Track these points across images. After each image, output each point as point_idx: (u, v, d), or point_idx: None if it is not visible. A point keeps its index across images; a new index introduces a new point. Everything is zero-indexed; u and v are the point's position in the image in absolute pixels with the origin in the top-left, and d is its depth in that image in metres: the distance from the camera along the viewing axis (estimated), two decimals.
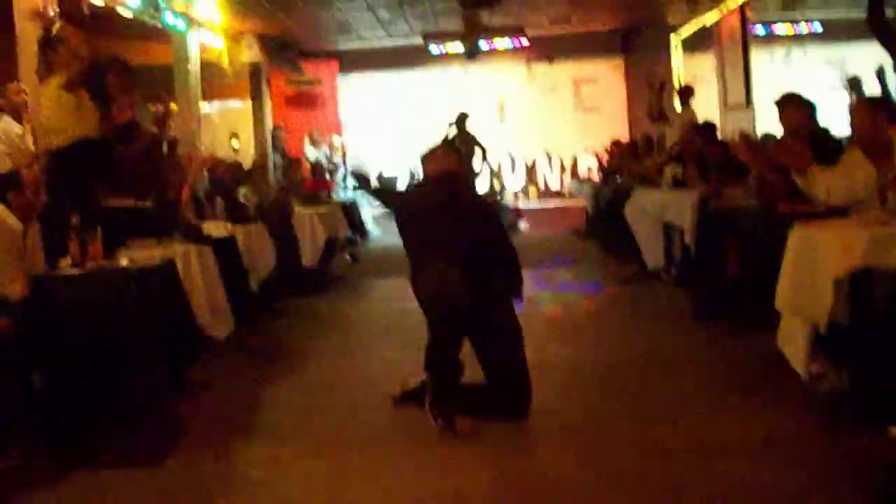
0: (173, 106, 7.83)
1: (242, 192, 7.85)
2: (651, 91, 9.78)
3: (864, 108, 4.15)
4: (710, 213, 6.38)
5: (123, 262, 4.10)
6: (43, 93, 4.92)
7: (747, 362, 4.70)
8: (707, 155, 7.53)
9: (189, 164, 6.65)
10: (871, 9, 5.61)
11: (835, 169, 4.40)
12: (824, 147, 5.11)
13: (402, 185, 15.67)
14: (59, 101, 4.73)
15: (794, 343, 3.91)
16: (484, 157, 12.52)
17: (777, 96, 5.46)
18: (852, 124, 4.67)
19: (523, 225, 14.46)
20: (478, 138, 12.42)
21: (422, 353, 4.04)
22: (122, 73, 5.07)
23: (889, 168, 3.92)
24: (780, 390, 4.10)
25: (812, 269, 3.57)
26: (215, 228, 5.92)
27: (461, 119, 12.33)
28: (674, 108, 9.88)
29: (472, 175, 11.78)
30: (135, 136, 5.07)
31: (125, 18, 9.10)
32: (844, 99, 9.70)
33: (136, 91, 5.11)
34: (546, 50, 16.10)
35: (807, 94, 5.44)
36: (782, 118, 5.48)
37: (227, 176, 7.98)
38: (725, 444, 3.50)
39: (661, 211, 7.55)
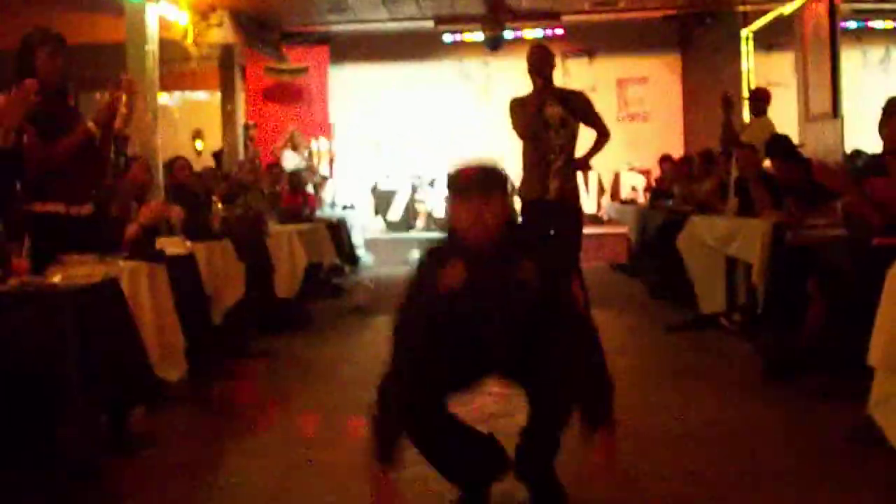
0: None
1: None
2: (723, 110, 9.63)
3: None
4: (786, 247, 6.31)
5: (56, 279, 4.03)
6: None
7: (835, 436, 4.60)
8: (780, 176, 7.47)
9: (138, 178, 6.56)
10: None
11: None
12: None
13: (400, 200, 15.47)
14: None
15: (890, 410, 3.82)
16: None
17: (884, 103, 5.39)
18: None
19: None
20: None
21: None
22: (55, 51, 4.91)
23: None
24: (878, 473, 4.01)
25: None
26: (171, 245, 5.85)
27: None
28: (742, 121, 9.80)
29: None
30: (70, 126, 4.92)
31: None
32: None
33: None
34: (585, 42, 16.15)
35: None
36: (884, 130, 5.39)
37: (190, 182, 7.93)
38: None
39: (724, 243, 7.48)
